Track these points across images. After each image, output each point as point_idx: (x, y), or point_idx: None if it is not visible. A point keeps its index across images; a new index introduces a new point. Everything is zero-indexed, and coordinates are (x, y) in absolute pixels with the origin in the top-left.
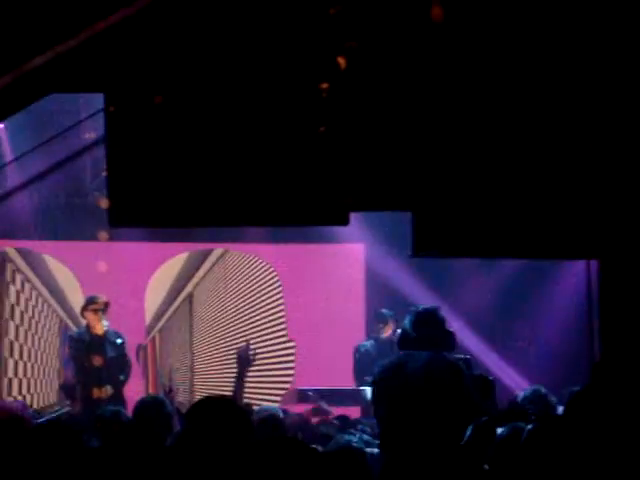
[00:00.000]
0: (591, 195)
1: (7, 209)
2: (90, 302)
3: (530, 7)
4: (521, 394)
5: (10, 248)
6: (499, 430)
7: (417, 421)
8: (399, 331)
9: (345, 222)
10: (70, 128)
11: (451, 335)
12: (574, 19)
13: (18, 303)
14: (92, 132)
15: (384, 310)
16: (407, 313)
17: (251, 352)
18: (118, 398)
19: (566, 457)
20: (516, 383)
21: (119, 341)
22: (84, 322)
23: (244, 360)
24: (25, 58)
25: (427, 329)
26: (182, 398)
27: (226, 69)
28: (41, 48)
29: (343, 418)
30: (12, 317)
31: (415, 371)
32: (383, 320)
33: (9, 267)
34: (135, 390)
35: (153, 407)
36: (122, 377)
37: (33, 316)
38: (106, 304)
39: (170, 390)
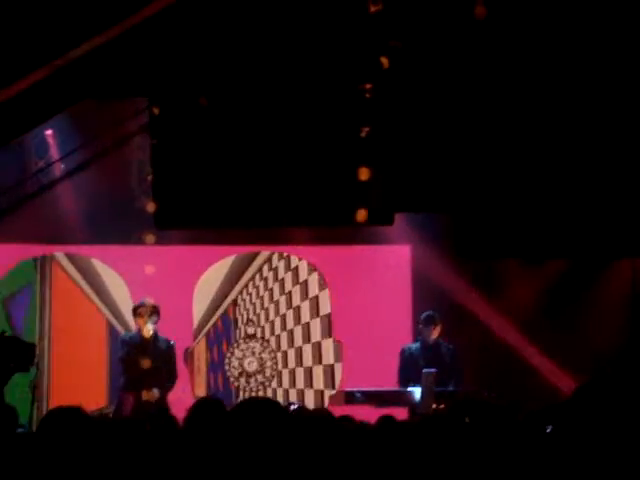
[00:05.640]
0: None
1: (55, 213)
2: (138, 306)
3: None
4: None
5: (58, 252)
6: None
7: None
8: None
9: (390, 222)
10: (116, 133)
11: None
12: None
13: (65, 306)
14: (137, 136)
15: (431, 312)
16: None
17: None
18: (163, 402)
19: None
20: (562, 383)
21: (168, 345)
22: (134, 325)
23: None
24: (61, 52)
25: None
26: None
27: (269, 72)
28: (77, 43)
29: (389, 419)
30: (59, 320)
31: None
32: (432, 322)
33: (57, 271)
34: (181, 394)
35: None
36: (169, 382)
37: (80, 319)
38: (153, 308)
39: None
